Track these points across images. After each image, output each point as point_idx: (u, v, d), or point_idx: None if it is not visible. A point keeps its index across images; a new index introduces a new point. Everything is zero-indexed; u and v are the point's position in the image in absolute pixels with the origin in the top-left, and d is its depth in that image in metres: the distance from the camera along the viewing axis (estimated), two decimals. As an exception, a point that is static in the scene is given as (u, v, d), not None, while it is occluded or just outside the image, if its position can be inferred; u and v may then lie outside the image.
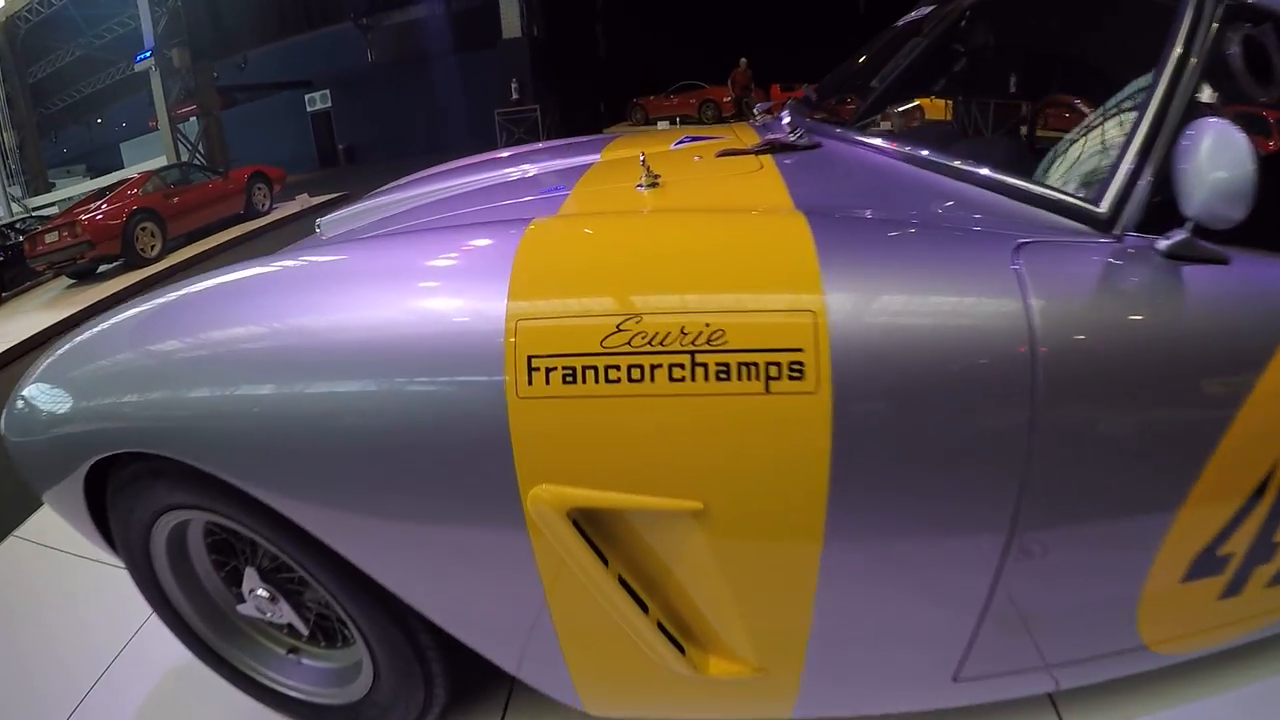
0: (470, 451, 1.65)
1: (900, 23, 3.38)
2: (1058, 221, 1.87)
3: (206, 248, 16.04)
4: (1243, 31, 1.87)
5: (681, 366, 1.57)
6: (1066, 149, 2.23)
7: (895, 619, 1.90)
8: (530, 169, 3.23)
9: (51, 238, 14.96)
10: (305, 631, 2.36)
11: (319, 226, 3.33)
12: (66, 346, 2.13)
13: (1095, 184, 1.87)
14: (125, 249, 15.15)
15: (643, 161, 2.40)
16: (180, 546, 2.36)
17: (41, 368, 2.15)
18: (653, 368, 1.58)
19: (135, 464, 2.02)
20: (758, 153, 2.69)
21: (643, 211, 2.20)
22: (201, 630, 2.47)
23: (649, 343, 1.58)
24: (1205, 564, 1.94)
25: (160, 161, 27.96)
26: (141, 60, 28.02)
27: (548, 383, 1.59)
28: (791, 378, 1.57)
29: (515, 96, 22.95)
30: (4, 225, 19.68)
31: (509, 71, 23.12)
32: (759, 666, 1.90)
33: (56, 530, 3.82)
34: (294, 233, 16.04)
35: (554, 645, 1.95)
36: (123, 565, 2.38)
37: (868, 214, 1.99)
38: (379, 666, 2.19)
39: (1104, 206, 1.81)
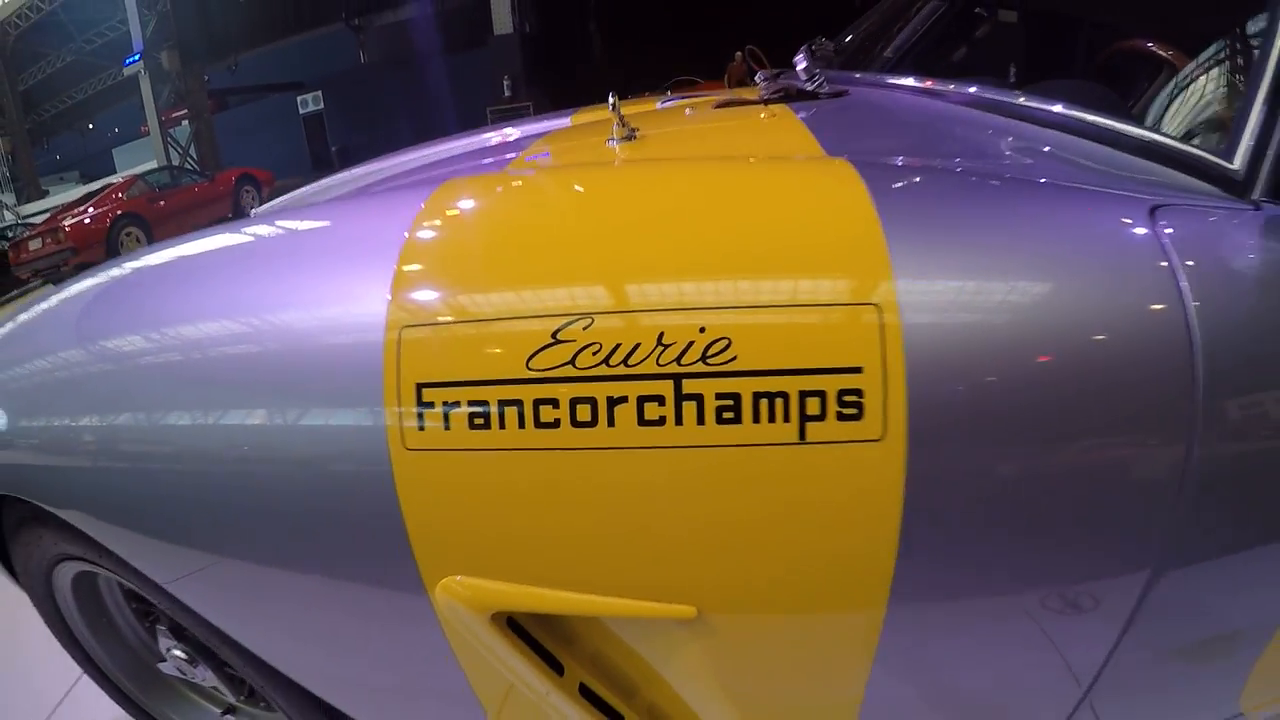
0: (355, 524, 1.16)
1: None
2: (1182, 180, 1.31)
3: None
4: None
5: (659, 401, 1.02)
6: (1176, 94, 1.86)
7: (970, 697, 1.37)
8: (512, 132, 2.76)
9: (35, 245, 14.78)
10: (232, 699, 2.01)
11: (253, 216, 2.87)
12: None
13: (1217, 137, 1.41)
14: (110, 255, 14.64)
15: (613, 107, 1.86)
16: (92, 595, 1.99)
17: None
18: (612, 401, 1.02)
19: (12, 508, 1.65)
20: (767, 102, 2.13)
21: (600, 165, 1.68)
22: (128, 688, 2.12)
23: (604, 360, 1.02)
24: None
25: (151, 166, 28.06)
26: (130, 64, 28.22)
27: (447, 426, 1.07)
28: (843, 417, 1.01)
29: (507, 94, 22.88)
30: (-9, 232, 19.52)
31: (501, 68, 23.12)
32: None
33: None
34: None
35: None
36: None
37: (938, 165, 1.42)
38: None
39: (1236, 164, 1.25)
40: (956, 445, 1.01)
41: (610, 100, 1.91)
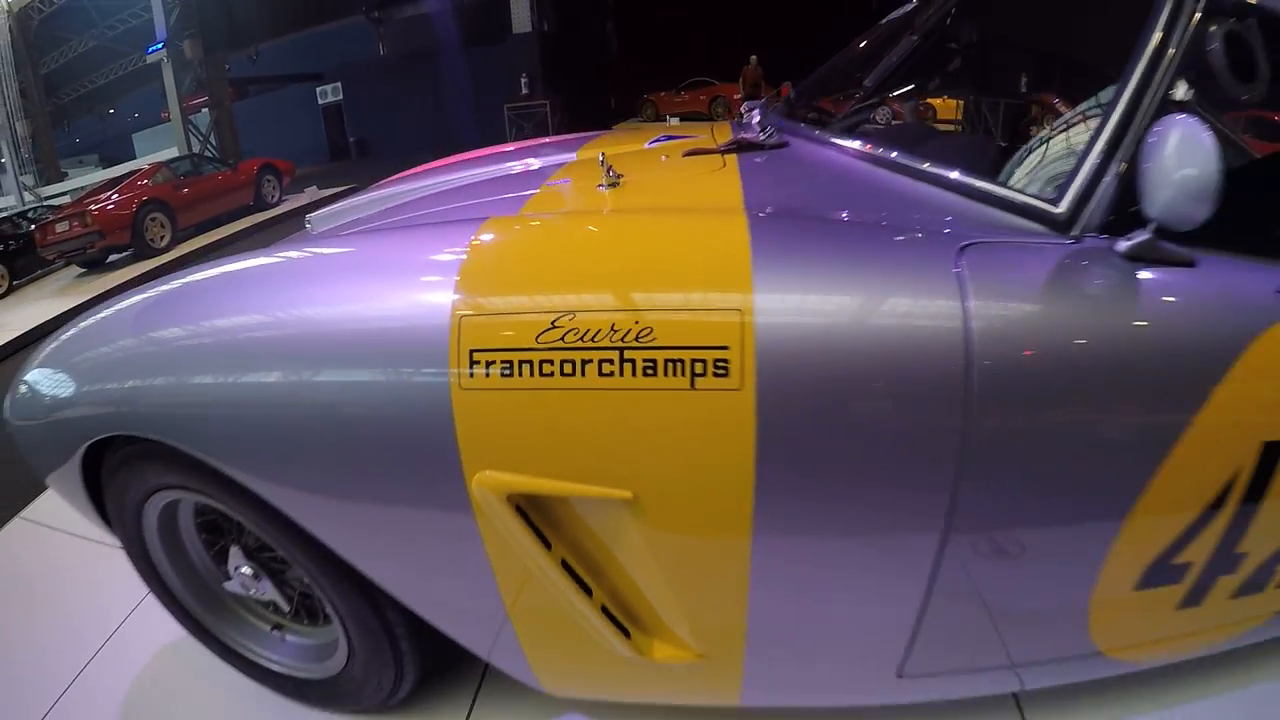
0: (420, 440, 1.73)
1: (885, 20, 3.36)
2: (1015, 223, 1.85)
3: (216, 239, 16.13)
4: (1225, 27, 1.82)
5: (611, 362, 1.63)
6: (1035, 149, 2.28)
7: (831, 612, 1.95)
8: (533, 162, 3.25)
9: (62, 227, 15.11)
10: (287, 609, 2.46)
11: (308, 222, 3.39)
12: (68, 334, 2.22)
13: (1058, 184, 1.85)
14: (135, 239, 15.29)
15: (602, 162, 2.43)
16: (171, 526, 2.46)
17: (44, 354, 2.24)
18: (584, 363, 1.63)
19: (128, 446, 2.12)
20: (724, 152, 2.69)
21: (589, 211, 2.27)
22: (192, 607, 2.58)
23: (581, 339, 1.63)
24: (1161, 573, 1.95)
25: (172, 152, 28.16)
26: (153, 51, 28.29)
27: (487, 375, 1.66)
28: (717, 375, 1.61)
29: (525, 91, 23.09)
30: (15, 214, 19.83)
31: (518, 66, 23.29)
32: (700, 653, 1.97)
33: (62, 512, 3.94)
34: (301, 225, 16.25)
35: (508, 627, 2.04)
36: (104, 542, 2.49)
37: (817, 214, 2.01)
38: (352, 643, 2.28)
39: (1062, 207, 1.79)
40: (787, 396, 1.60)
41: (600, 157, 2.48)
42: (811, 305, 1.65)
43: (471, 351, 1.66)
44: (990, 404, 1.63)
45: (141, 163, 28.33)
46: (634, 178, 2.46)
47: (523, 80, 23.12)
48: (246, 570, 2.38)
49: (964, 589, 1.88)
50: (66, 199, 29.80)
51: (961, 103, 4.08)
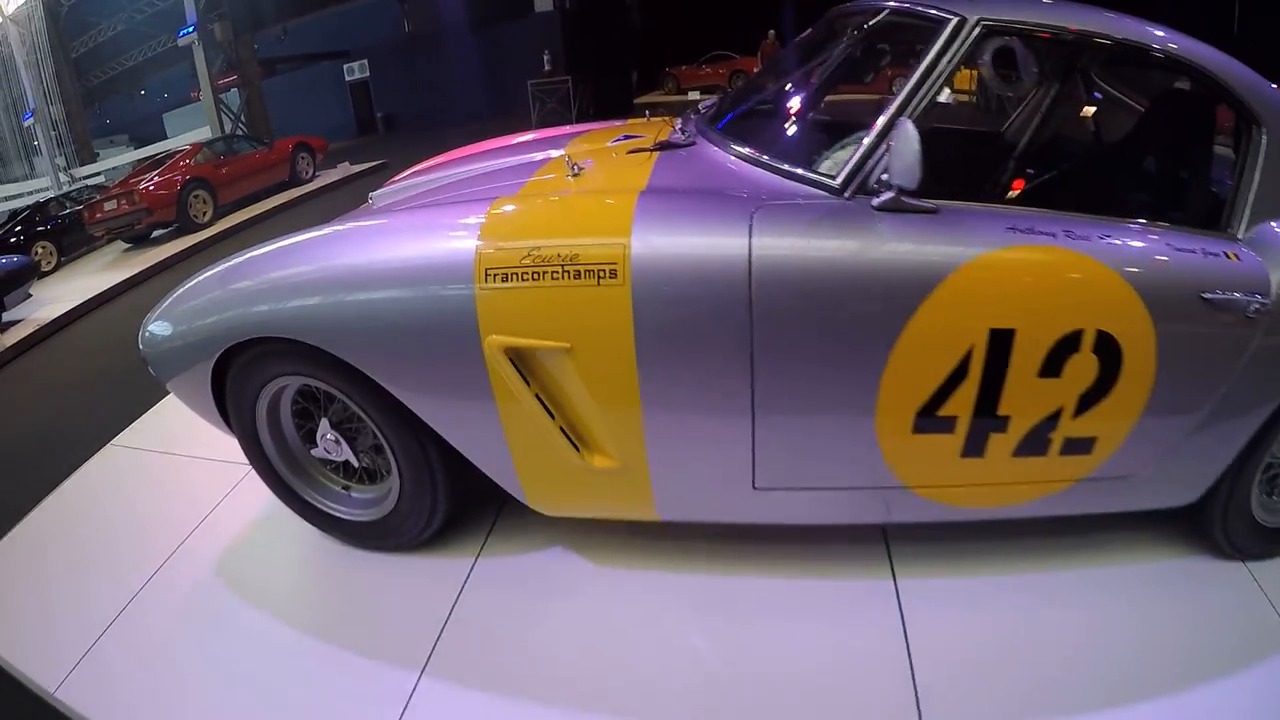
0: (456, 320, 2.77)
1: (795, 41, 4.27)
2: (811, 192, 2.79)
3: (255, 214, 16.87)
4: (996, 43, 2.83)
5: (556, 273, 2.68)
6: (838, 142, 3.25)
7: (693, 435, 2.89)
8: (524, 156, 4.20)
9: (110, 205, 15.84)
10: (357, 466, 3.42)
11: (370, 199, 4.44)
12: (195, 280, 3.27)
13: (841, 163, 2.79)
14: (180, 215, 16.04)
15: (568, 161, 3.44)
16: (274, 413, 3.42)
17: (173, 298, 3.32)
18: (542, 273, 2.68)
19: (252, 349, 3.10)
20: (651, 150, 3.55)
21: (558, 191, 3.25)
22: (285, 474, 3.53)
23: (542, 261, 2.69)
24: (931, 422, 2.79)
25: (204, 132, 28.49)
26: (185, 35, 28.28)
27: (493, 282, 2.71)
28: (610, 278, 2.65)
29: (548, 68, 23.41)
30: (60, 196, 20.64)
31: (541, 43, 23.66)
32: (621, 461, 2.94)
33: (142, 438, 5.10)
34: (336, 199, 16.99)
35: (505, 449, 3.01)
36: (196, 457, 3.83)
37: (684, 189, 3.00)
38: (403, 481, 3.26)
39: (839, 179, 2.73)
40: (649, 292, 2.60)
41: (566, 156, 3.56)
42: (660, 242, 2.66)
43: (486, 270, 2.71)
44: (764, 308, 2.62)
45: (175, 142, 28.94)
46: (590, 169, 3.41)
47: (545, 57, 23.44)
48: (331, 436, 3.33)
49: (775, 415, 2.79)
50: (100, 179, 30.59)
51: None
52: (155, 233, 16.63)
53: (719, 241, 2.63)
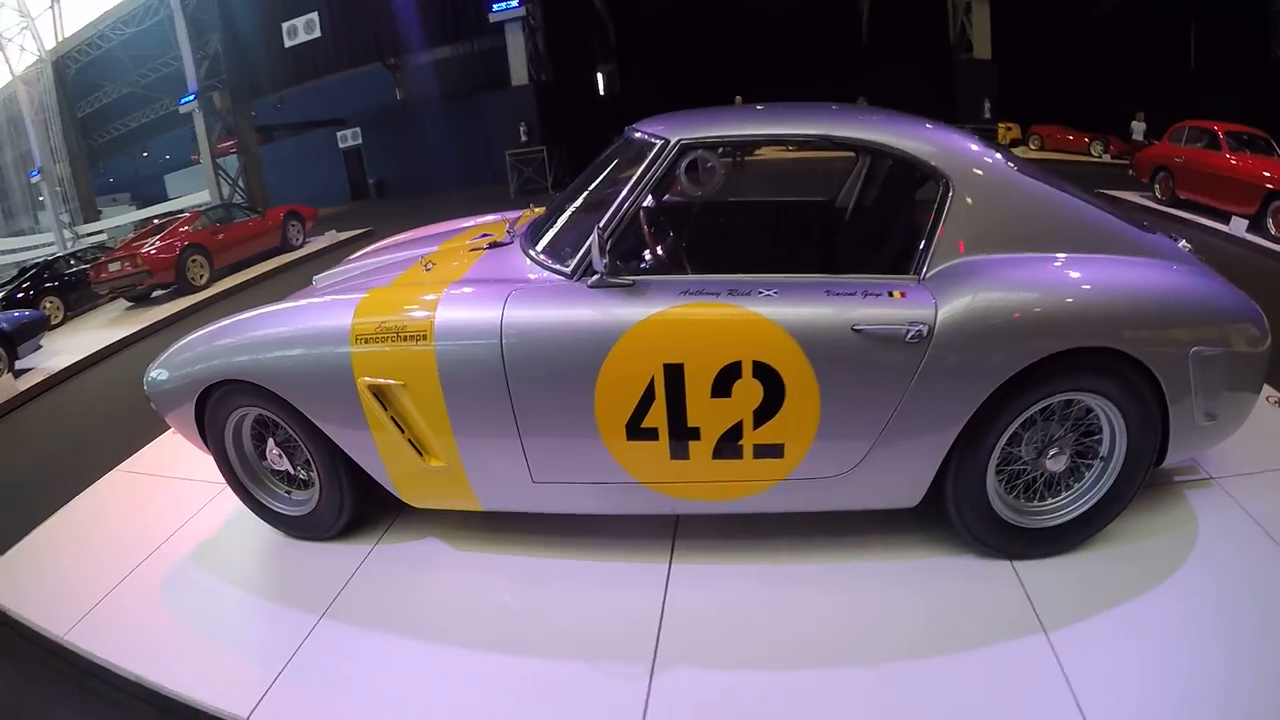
0: (341, 368, 3.89)
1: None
2: (554, 277, 3.84)
3: (247, 277, 18.15)
4: (690, 156, 3.75)
5: (393, 337, 3.77)
6: (585, 238, 3.86)
7: (486, 445, 3.93)
8: (413, 251, 5.35)
9: (114, 266, 17.19)
10: (294, 474, 4.64)
11: (314, 280, 5.64)
12: (187, 339, 4.58)
13: (574, 255, 3.80)
14: (179, 278, 17.32)
15: (424, 262, 4.61)
16: (238, 433, 4.66)
17: (170, 353, 4.64)
18: (386, 337, 3.79)
19: (222, 388, 4.34)
20: (486, 248, 4.60)
21: (411, 283, 4.33)
22: (245, 481, 4.76)
23: (386, 330, 3.79)
24: (638, 432, 3.72)
25: (203, 195, 29.89)
26: (186, 103, 29.72)
27: (361, 343, 3.83)
28: (423, 340, 3.72)
29: (524, 139, 24.54)
30: (66, 255, 22.10)
31: (518, 115, 24.77)
32: (447, 463, 4.01)
33: (145, 463, 6.49)
34: (320, 264, 17.99)
35: (379, 458, 4.13)
36: (184, 479, 5.34)
37: (481, 279, 4.09)
38: (321, 486, 4.47)
39: (570, 266, 3.78)
40: (447, 349, 3.75)
41: (425, 263, 4.61)
42: (451, 317, 3.75)
43: (356, 335, 3.86)
44: (510, 357, 3.65)
45: (180, 204, 30.23)
46: (439, 265, 4.52)
47: (521, 129, 24.59)
48: (276, 452, 4.57)
49: (532, 432, 3.81)
50: (103, 237, 31.93)
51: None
52: (155, 293, 17.74)
53: (484, 314, 3.73)
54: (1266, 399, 4.98)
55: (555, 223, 4.30)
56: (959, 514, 3.83)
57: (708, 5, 31.65)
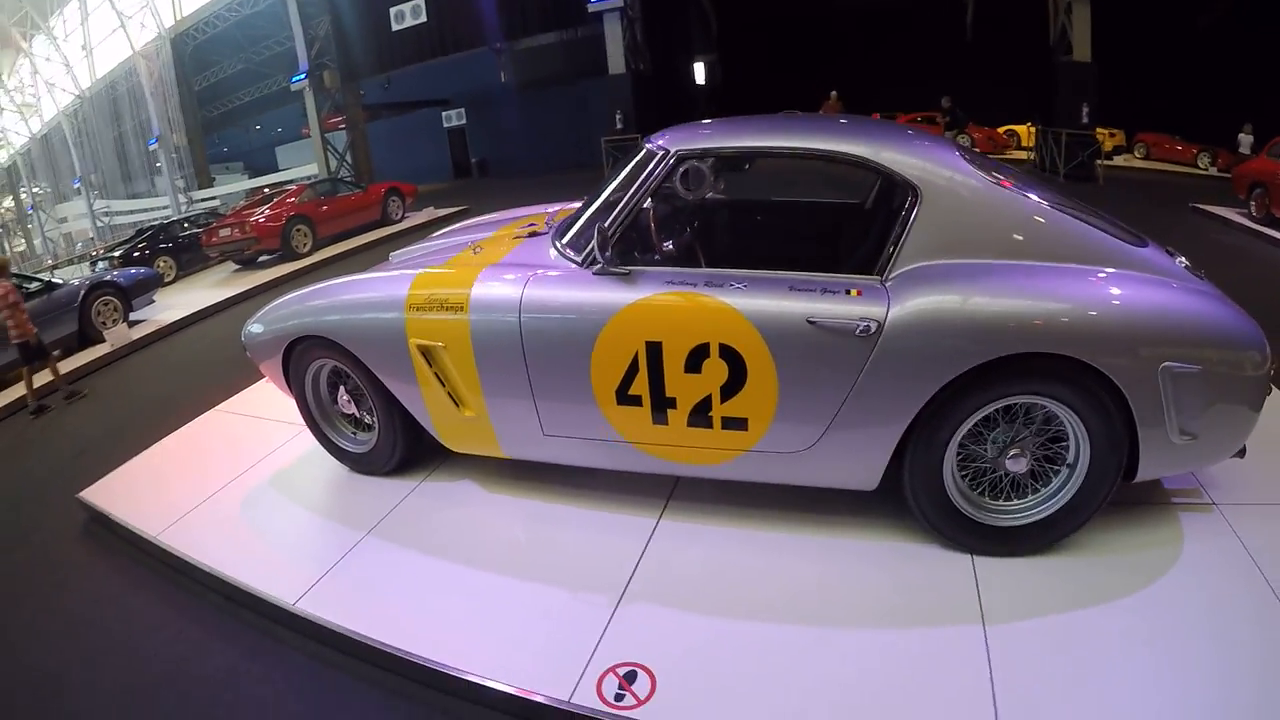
0: (397, 330, 4.60)
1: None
2: (569, 265, 4.34)
3: (347, 248, 19.08)
4: (685, 165, 4.10)
5: (437, 307, 4.46)
6: (594, 232, 4.28)
7: (507, 400, 4.48)
8: (473, 235, 5.97)
9: (224, 232, 18.43)
10: (360, 418, 5.42)
11: (390, 256, 6.36)
12: (280, 300, 5.37)
13: (585, 247, 4.28)
14: (283, 245, 18.38)
15: (474, 246, 5.23)
16: (316, 381, 5.45)
17: (265, 310, 5.37)
18: (433, 306, 4.48)
19: (306, 342, 5.12)
20: (527, 235, 5.18)
21: (462, 263, 4.88)
22: (320, 422, 5.57)
23: (433, 301, 4.49)
24: (625, 398, 4.17)
25: (312, 168, 31.09)
26: (297, 81, 30.80)
27: (412, 311, 4.55)
28: (460, 311, 4.38)
29: (619, 126, 24.77)
30: (181, 219, 23.49)
31: (614, 103, 25.02)
32: (477, 414, 4.63)
33: (239, 405, 7.42)
34: (416, 238, 18.70)
35: (425, 407, 4.80)
36: (266, 418, 6.23)
37: (514, 263, 4.61)
38: (379, 433, 5.21)
39: (581, 256, 4.28)
40: (479, 321, 4.39)
41: (475, 247, 5.21)
42: (483, 294, 4.35)
43: (409, 304, 4.56)
44: (526, 330, 4.22)
45: (290, 175, 31.60)
46: (485, 249, 5.13)
47: (617, 116, 24.82)
48: (346, 398, 5.35)
49: (543, 393, 4.35)
50: (215, 203, 33.37)
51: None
52: (261, 258, 18.80)
53: (508, 293, 4.30)
54: None
55: (580, 218, 4.69)
56: (916, 502, 4.01)
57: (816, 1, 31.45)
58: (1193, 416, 3.62)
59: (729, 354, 3.88)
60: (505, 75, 34.29)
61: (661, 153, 4.23)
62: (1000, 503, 4.00)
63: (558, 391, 4.34)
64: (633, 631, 3.64)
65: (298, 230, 18.79)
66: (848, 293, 3.75)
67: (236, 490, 5.54)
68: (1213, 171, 23.77)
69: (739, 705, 3.20)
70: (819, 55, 30.54)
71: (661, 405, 4.12)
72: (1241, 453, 3.90)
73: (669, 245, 4.93)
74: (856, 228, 4.72)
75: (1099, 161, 21.04)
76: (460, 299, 4.42)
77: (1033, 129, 24.13)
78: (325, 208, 19.94)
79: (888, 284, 3.77)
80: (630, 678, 3.32)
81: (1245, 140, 22.72)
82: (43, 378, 10.26)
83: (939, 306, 3.62)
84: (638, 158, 4.51)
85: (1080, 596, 3.68)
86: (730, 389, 3.95)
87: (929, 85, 26.79)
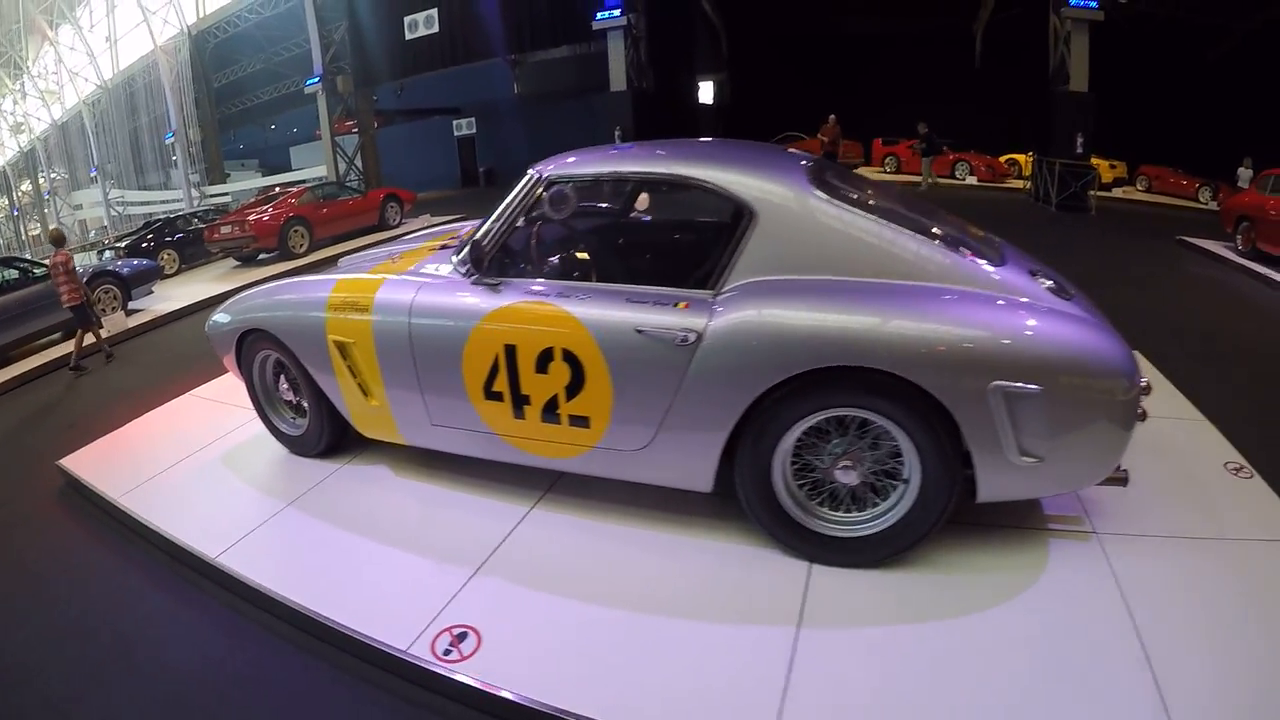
0: (318, 327, 5.18)
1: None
2: (457, 278, 4.74)
3: (342, 250, 19.40)
4: (553, 189, 4.62)
5: (349, 308, 5.04)
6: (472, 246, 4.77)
7: (402, 393, 4.95)
8: (401, 247, 6.56)
9: (226, 229, 19.19)
10: (298, 403, 5.97)
11: (339, 263, 6.86)
12: (239, 296, 6.09)
13: (468, 261, 4.69)
14: (280, 245, 19.15)
15: (397, 256, 5.72)
16: (263, 369, 6.05)
17: (227, 303, 6.11)
18: (347, 307, 5.05)
19: (254, 334, 5.77)
20: (438, 249, 5.62)
21: (378, 272, 5.27)
22: (265, 406, 6.17)
23: (346, 303, 5.05)
24: (491, 394, 4.57)
25: (321, 170, 31.85)
26: (311, 85, 31.55)
27: (333, 311, 5.11)
28: (364, 312, 4.95)
29: (619, 142, 24.24)
30: (188, 214, 24.25)
31: (614, 119, 25.23)
32: (380, 403, 5.13)
33: (210, 391, 8.14)
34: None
35: (341, 397, 5.35)
36: (230, 404, 6.89)
37: (416, 274, 5.00)
38: (309, 417, 5.78)
39: (465, 269, 4.71)
40: (381, 322, 4.94)
41: (396, 257, 5.75)
42: (385, 298, 4.89)
43: (329, 304, 5.13)
44: (414, 332, 4.73)
45: (303, 175, 32.56)
46: (403, 259, 5.57)
47: (616, 132, 24.91)
48: (285, 386, 5.98)
49: (428, 388, 4.81)
50: (228, 199, 34.27)
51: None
52: (260, 256, 19.59)
53: (402, 298, 4.81)
54: (1225, 465, 4.87)
55: (475, 233, 4.93)
56: (749, 505, 4.17)
57: (821, 22, 31.57)
58: (1037, 438, 3.61)
59: (570, 358, 4.24)
60: (519, 86, 35.23)
61: (536, 176, 4.72)
62: (833, 512, 4.10)
63: (439, 386, 4.81)
64: (478, 600, 4.10)
65: (295, 231, 19.50)
66: (676, 305, 4.02)
67: (191, 464, 6.27)
68: (1213, 206, 23.22)
69: (544, 670, 3.57)
70: (828, 78, 30.48)
71: (519, 402, 4.51)
72: (1123, 481, 3.98)
73: (542, 260, 5.35)
74: (711, 244, 4.80)
75: (1091, 192, 21.04)
76: (367, 302, 4.97)
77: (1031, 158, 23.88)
78: (324, 210, 20.66)
79: (717, 298, 3.99)
80: (461, 637, 3.78)
81: (1244, 174, 22.73)
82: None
83: (759, 319, 3.82)
84: (521, 181, 4.85)
85: (909, 612, 3.74)
86: (573, 389, 4.30)
87: (939, 109, 26.85)
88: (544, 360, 4.32)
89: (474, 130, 38.63)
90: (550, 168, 4.74)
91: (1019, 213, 20.77)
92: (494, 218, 4.78)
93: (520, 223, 4.87)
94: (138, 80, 43.14)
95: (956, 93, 29.71)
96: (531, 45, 29.63)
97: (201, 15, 37.84)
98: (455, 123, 38.65)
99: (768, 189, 4.10)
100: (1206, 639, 3.43)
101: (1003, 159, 28.75)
